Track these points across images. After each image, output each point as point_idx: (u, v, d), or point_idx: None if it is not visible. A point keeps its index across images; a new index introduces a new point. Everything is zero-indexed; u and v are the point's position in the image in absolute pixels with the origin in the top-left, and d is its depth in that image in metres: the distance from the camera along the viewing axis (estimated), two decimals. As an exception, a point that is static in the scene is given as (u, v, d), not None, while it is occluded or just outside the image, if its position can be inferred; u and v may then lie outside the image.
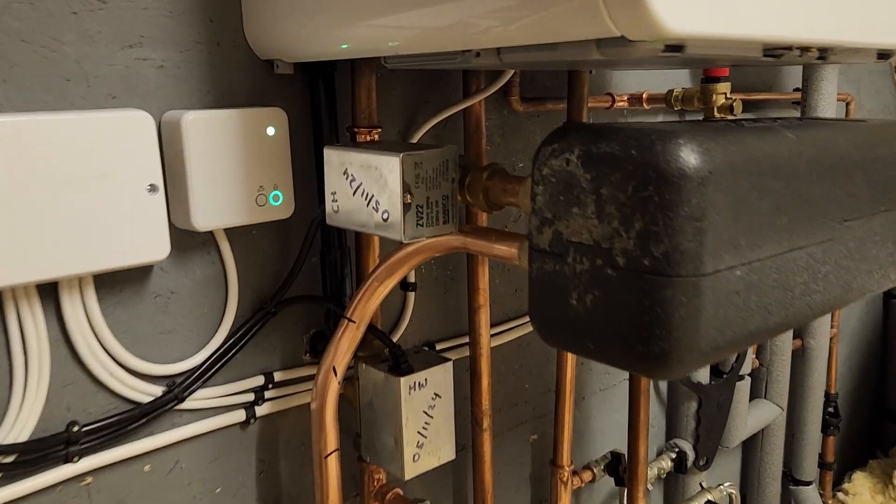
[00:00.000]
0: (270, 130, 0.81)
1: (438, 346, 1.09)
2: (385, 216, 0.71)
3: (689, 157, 0.54)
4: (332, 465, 0.85)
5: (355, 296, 0.83)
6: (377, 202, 0.71)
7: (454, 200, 0.73)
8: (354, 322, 0.83)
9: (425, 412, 0.88)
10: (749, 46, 0.61)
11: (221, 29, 0.81)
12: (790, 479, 1.92)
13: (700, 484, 1.35)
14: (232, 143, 0.78)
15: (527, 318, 1.21)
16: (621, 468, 1.29)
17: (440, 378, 0.89)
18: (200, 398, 0.84)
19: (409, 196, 0.69)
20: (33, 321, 0.72)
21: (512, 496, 1.27)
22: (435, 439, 0.89)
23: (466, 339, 1.12)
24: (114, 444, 0.79)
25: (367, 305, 0.83)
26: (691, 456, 1.49)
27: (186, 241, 0.82)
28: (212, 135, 0.77)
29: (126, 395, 0.79)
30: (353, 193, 0.73)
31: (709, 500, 1.28)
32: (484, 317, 1.07)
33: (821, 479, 2.07)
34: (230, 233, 0.85)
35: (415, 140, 0.99)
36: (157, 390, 0.82)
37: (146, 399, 0.81)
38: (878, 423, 2.36)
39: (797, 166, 0.61)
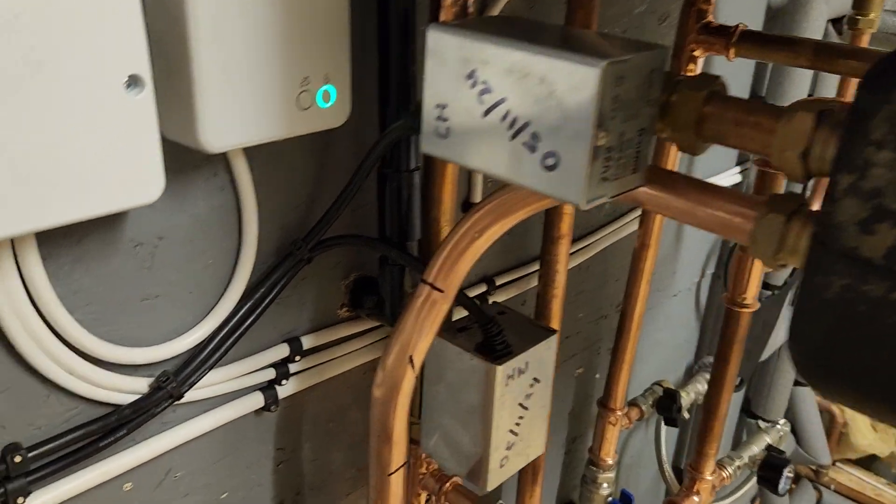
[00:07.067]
0: (324, -16, 0.49)
1: (498, 282, 0.83)
2: (550, 161, 0.42)
3: None
4: (396, 485, 0.60)
5: (441, 251, 0.55)
6: (535, 136, 0.42)
7: (651, 136, 0.45)
8: (442, 291, 0.56)
9: (521, 404, 0.63)
10: None
11: None
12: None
13: (757, 424, 1.19)
14: (264, 2, 0.46)
15: (596, 237, 0.96)
16: (675, 407, 1.11)
17: (543, 357, 0.64)
18: (204, 385, 0.57)
19: (603, 134, 0.40)
20: (-66, 302, 0.43)
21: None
22: (527, 436, 0.65)
23: (530, 270, 0.87)
24: (77, 467, 0.52)
25: (458, 267, 0.56)
26: (727, 377, 1.32)
27: (181, 157, 0.51)
28: (234, -12, 0.45)
29: (94, 396, 0.52)
30: (486, 113, 0.44)
31: (769, 445, 1.13)
32: (564, 249, 0.80)
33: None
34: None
35: (497, 11, 0.68)
36: (143, 385, 0.54)
37: (126, 399, 0.53)
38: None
39: None
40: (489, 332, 0.60)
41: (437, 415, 0.65)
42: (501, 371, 0.60)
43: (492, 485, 0.64)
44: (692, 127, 0.45)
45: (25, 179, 0.40)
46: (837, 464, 2.11)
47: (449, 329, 0.63)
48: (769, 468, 1.06)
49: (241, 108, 0.47)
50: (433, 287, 0.56)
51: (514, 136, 0.43)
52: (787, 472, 1.06)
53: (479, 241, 0.55)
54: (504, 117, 0.43)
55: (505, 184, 0.51)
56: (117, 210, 0.44)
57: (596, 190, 0.42)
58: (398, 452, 0.59)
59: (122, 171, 0.43)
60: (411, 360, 0.56)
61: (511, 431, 0.63)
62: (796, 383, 1.82)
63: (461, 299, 0.60)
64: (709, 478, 0.99)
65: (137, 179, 0.44)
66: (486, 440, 0.62)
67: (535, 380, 0.64)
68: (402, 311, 0.57)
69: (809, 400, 1.85)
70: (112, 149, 0.42)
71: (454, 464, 0.66)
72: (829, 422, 2.06)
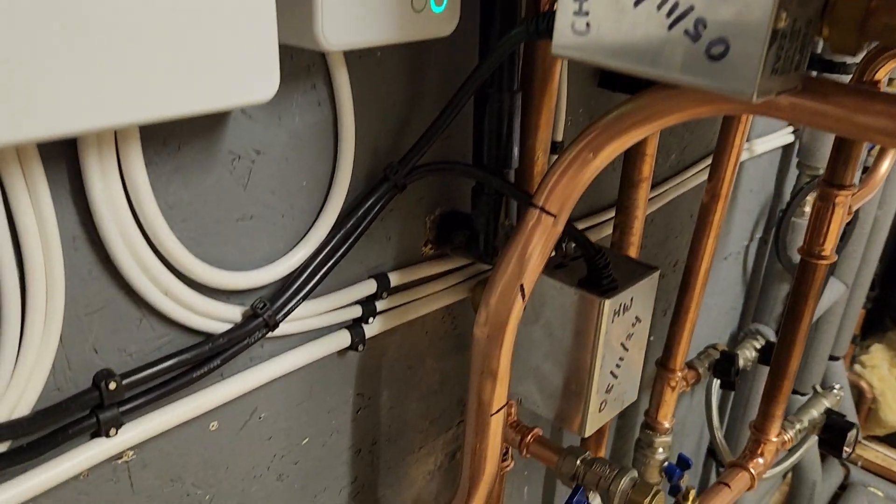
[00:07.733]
0: None
1: (572, 228, 0.79)
2: (717, 49, 0.38)
3: None
4: (496, 426, 0.57)
5: (553, 173, 0.52)
6: (702, 21, 0.38)
7: (815, 30, 0.41)
8: (553, 216, 0.52)
9: (622, 344, 0.60)
10: None
11: None
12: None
13: (813, 387, 1.16)
14: None
15: (665, 187, 0.92)
16: (733, 370, 1.07)
17: (645, 295, 0.60)
18: (293, 319, 0.54)
19: (784, 15, 0.36)
20: (32, 204, 0.38)
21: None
22: (625, 380, 0.62)
23: (604, 218, 0.83)
24: (168, 400, 0.48)
25: (571, 190, 0.52)
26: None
27: (283, 64, 0.47)
28: None
29: (188, 322, 0.48)
30: (638, 2, 0.40)
31: (828, 409, 1.10)
32: (644, 194, 0.77)
33: (841, 351, 1.97)
34: (350, 55, 0.50)
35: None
36: (236, 313, 0.50)
37: (219, 328, 0.49)
38: (887, 289, 2.25)
39: None
40: (596, 265, 0.56)
41: (531, 357, 0.62)
42: (609, 305, 0.56)
43: (590, 430, 0.60)
44: (856, 23, 0.41)
45: (140, 62, 0.35)
46: (864, 441, 2.08)
47: (546, 265, 0.60)
48: (833, 431, 1.03)
49: (360, 4, 0.43)
50: (544, 211, 0.52)
51: (673, 24, 0.39)
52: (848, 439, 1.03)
53: (594, 163, 0.51)
54: (661, 4, 0.39)
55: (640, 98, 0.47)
56: (234, 106, 0.40)
57: (767, 82, 0.38)
58: (501, 391, 0.55)
59: (239, 61, 0.39)
60: (522, 289, 0.52)
61: (612, 373, 0.60)
62: (829, 357, 1.80)
63: (567, 229, 0.56)
64: (774, 440, 0.96)
65: (254, 73, 0.40)
66: (588, 382, 0.58)
67: (637, 319, 0.60)
68: (508, 239, 0.53)
69: (840, 374, 1.82)
70: (230, 35, 0.38)
71: (548, 409, 0.62)
72: (859, 397, 2.04)
